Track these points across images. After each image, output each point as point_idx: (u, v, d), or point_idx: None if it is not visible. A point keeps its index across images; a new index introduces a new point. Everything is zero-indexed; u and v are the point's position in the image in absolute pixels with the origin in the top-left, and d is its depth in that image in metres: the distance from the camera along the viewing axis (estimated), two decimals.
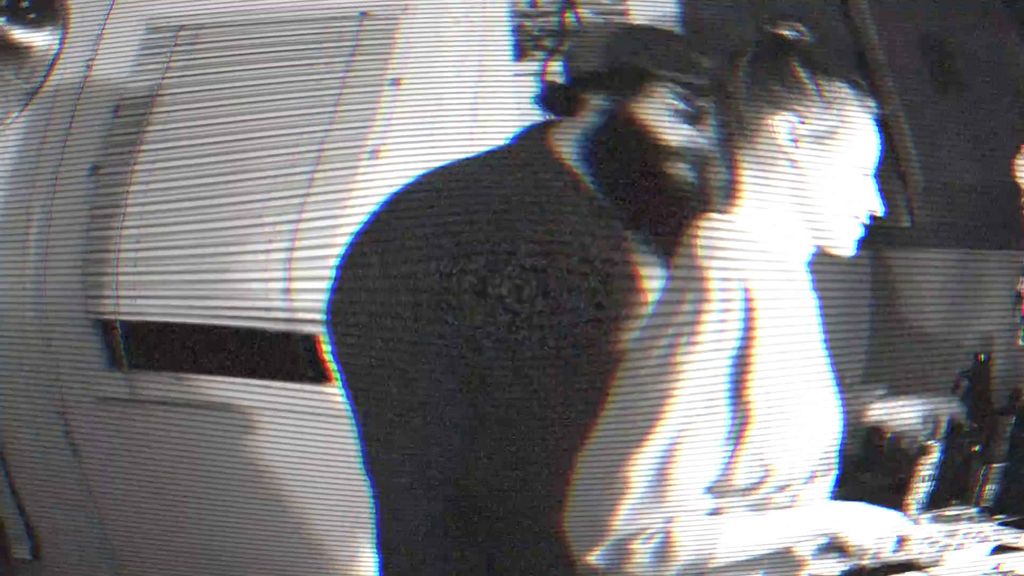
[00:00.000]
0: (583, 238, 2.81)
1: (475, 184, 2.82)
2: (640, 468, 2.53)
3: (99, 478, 3.39)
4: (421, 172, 2.82)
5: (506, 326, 2.79)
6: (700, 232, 2.61)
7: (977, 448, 3.19)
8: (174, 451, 3.38)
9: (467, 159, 2.84)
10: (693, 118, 2.88)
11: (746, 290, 2.54)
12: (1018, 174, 3.15)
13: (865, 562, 2.68)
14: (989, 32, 3.26)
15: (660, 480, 2.53)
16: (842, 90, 2.65)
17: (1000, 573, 2.76)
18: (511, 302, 2.78)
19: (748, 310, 2.54)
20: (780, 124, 2.62)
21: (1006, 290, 3.27)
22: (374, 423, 2.85)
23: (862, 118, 2.66)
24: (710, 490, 2.54)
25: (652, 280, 2.74)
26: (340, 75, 3.34)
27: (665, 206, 2.86)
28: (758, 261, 2.61)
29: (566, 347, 2.80)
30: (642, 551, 2.53)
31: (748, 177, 2.64)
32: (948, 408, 3.06)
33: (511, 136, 2.86)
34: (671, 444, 2.53)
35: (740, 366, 2.54)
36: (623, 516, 2.52)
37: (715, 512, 2.55)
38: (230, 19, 3.32)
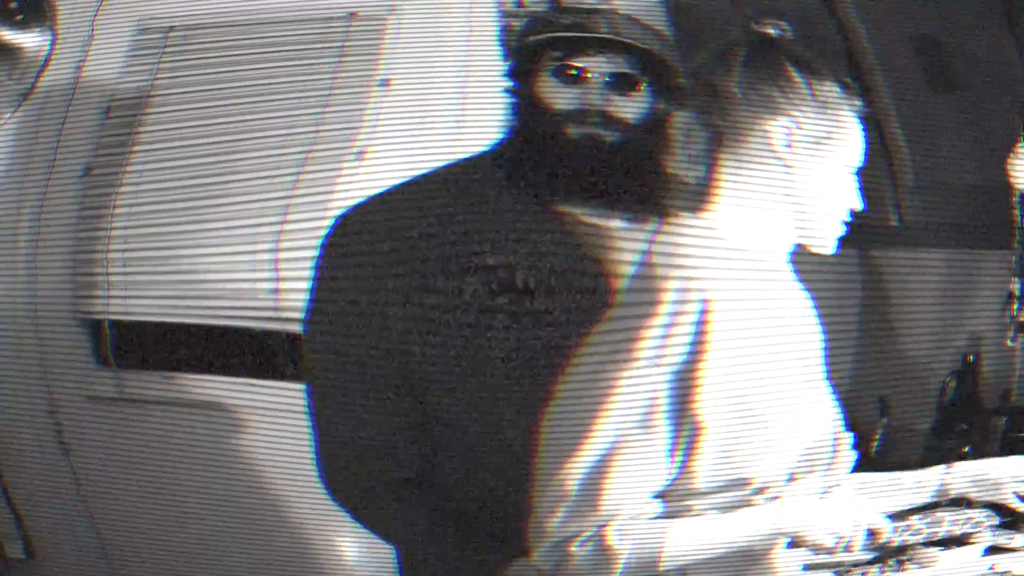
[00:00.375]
0: (531, 235, 2.84)
1: (441, 188, 2.85)
2: (574, 474, 2.53)
3: (89, 477, 3.40)
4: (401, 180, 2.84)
5: (470, 326, 2.81)
6: (660, 236, 2.60)
7: (967, 449, 3.19)
8: (163, 450, 3.38)
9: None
10: (577, 79, 2.92)
11: (704, 301, 2.52)
12: (1011, 174, 3.14)
13: (839, 556, 2.67)
14: (983, 32, 3.25)
15: (593, 487, 2.53)
16: (833, 90, 2.64)
17: (995, 573, 2.76)
18: (475, 303, 2.80)
19: (701, 323, 2.52)
20: (778, 130, 2.61)
21: (997, 290, 3.27)
22: (332, 426, 2.86)
23: (850, 118, 2.65)
24: (661, 495, 2.53)
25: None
26: (329, 76, 3.34)
27: (585, 172, 2.90)
28: (729, 261, 2.59)
29: (528, 349, 2.81)
30: (578, 554, 2.54)
31: (727, 178, 2.63)
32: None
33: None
34: (608, 451, 2.52)
35: (685, 379, 2.52)
36: (558, 519, 2.53)
37: (670, 515, 2.55)
38: (219, 20, 3.32)
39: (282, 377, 3.31)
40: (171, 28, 3.37)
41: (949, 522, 2.86)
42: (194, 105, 3.33)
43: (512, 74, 2.97)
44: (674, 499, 2.55)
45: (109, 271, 3.32)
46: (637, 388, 2.51)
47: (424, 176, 2.94)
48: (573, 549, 2.52)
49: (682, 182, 2.68)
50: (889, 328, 3.33)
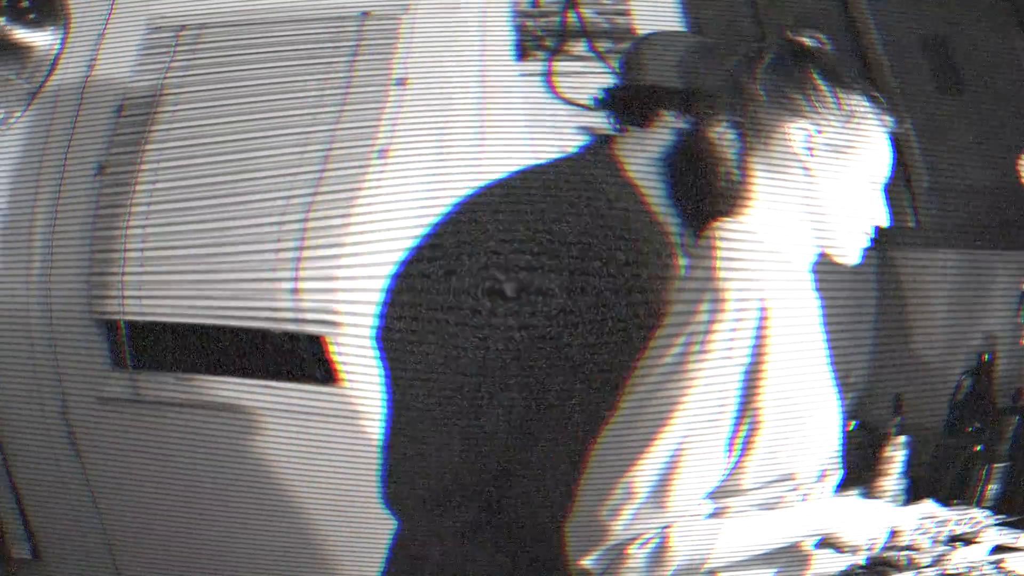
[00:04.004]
0: (641, 249, 2.82)
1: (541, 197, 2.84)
2: (644, 474, 2.53)
3: (101, 479, 3.38)
4: (484, 183, 2.82)
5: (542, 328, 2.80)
6: (718, 239, 2.61)
7: (979, 448, 3.20)
8: (177, 452, 3.36)
9: (530, 169, 2.85)
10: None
11: (761, 301, 2.55)
12: (1023, 175, 3.16)
13: (860, 558, 2.69)
14: (994, 33, 3.26)
15: (662, 487, 2.53)
16: (861, 104, 2.66)
17: (1002, 572, 2.77)
18: (543, 306, 2.80)
19: (762, 323, 2.55)
20: (797, 132, 2.63)
21: (1010, 290, 3.28)
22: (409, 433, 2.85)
23: (878, 133, 2.67)
24: (712, 495, 2.54)
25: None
26: (345, 75, 3.33)
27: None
28: (768, 263, 2.61)
29: (602, 352, 2.80)
30: (637, 555, 2.54)
31: (759, 180, 2.65)
32: None
33: (576, 147, 2.86)
34: (676, 451, 2.53)
35: (751, 377, 2.55)
36: (623, 521, 2.53)
37: (716, 514, 2.56)
38: (230, 19, 3.31)
39: (300, 379, 3.29)
40: (183, 27, 3.35)
41: (955, 521, 2.88)
42: (208, 103, 3.32)
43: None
44: (719, 497, 2.56)
45: (125, 271, 3.30)
46: (712, 381, 2.52)
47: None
48: (631, 551, 2.52)
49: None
50: (904, 327, 3.35)
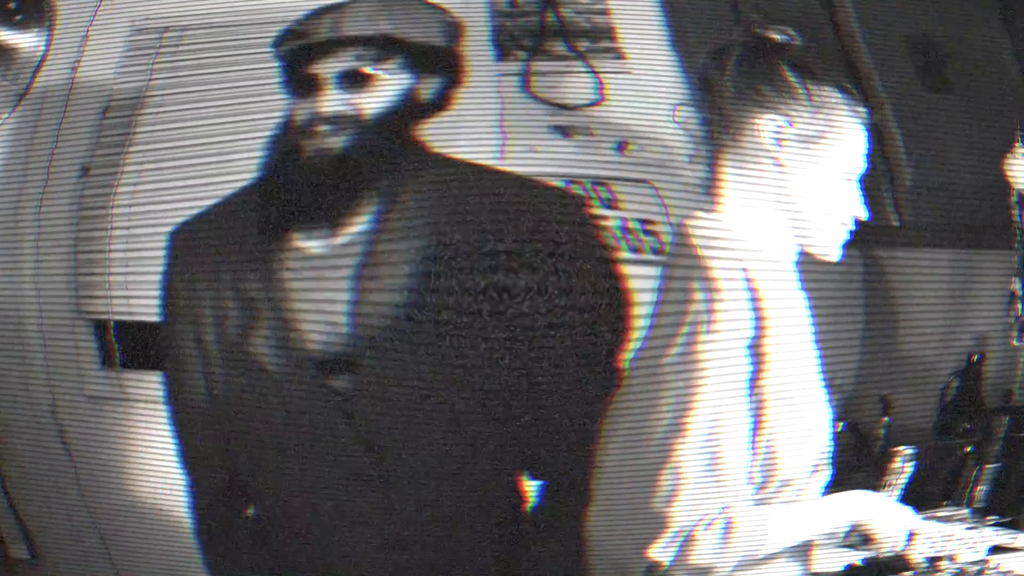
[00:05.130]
0: None
1: None
2: (687, 456, 2.54)
3: (92, 477, 3.41)
4: None
5: None
6: (692, 229, 2.61)
7: (970, 449, 3.18)
8: (166, 450, 3.39)
9: None
10: (310, 88, 2.86)
11: (749, 279, 2.56)
12: (1009, 173, 3.12)
13: (882, 554, 2.69)
14: (979, 31, 3.22)
15: (712, 464, 2.54)
16: (832, 95, 2.65)
17: (999, 573, 2.76)
18: None
19: (755, 299, 2.56)
20: (765, 124, 2.62)
21: (999, 290, 3.25)
22: None
23: (851, 124, 2.66)
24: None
25: None
26: None
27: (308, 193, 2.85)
28: (751, 258, 2.61)
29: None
30: (706, 538, 2.54)
31: (730, 175, 2.64)
32: None
33: None
34: (711, 429, 2.54)
35: (757, 355, 2.55)
36: (682, 505, 2.53)
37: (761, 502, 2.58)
38: (213, 21, 3.31)
39: None
40: (166, 29, 3.36)
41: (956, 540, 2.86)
42: (191, 105, 3.33)
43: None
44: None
45: (111, 271, 3.31)
46: (726, 360, 2.53)
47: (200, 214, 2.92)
48: (699, 533, 2.53)
49: (688, 181, 2.70)
50: (892, 328, 3.32)
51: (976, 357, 3.27)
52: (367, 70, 2.82)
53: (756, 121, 2.62)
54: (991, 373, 3.27)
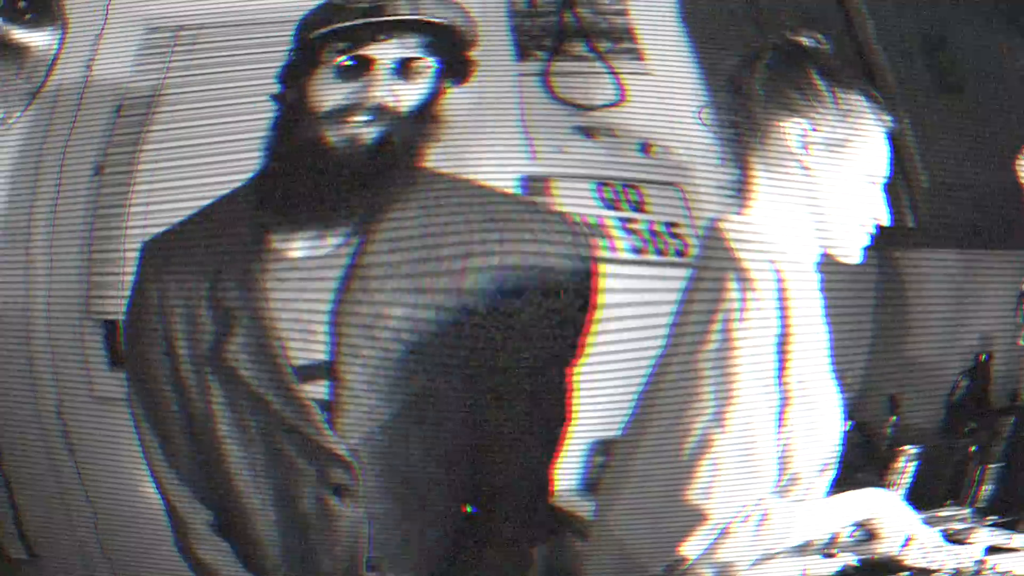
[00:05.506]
0: None
1: None
2: (727, 447, 2.54)
3: (95, 478, 3.37)
4: None
5: None
6: (725, 227, 2.63)
7: (974, 448, 3.20)
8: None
9: None
10: (357, 71, 2.71)
11: (777, 271, 2.58)
12: (1020, 174, 3.15)
13: (877, 556, 2.70)
14: (992, 32, 3.25)
15: (749, 457, 2.54)
16: (858, 101, 2.68)
17: (996, 574, 2.77)
18: None
19: (783, 297, 2.58)
20: (792, 128, 2.65)
21: (1008, 290, 3.28)
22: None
23: (875, 130, 2.70)
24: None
25: None
26: None
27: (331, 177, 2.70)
28: (780, 258, 2.64)
29: None
30: (740, 532, 2.54)
31: (760, 177, 2.67)
32: None
33: None
34: (748, 421, 2.55)
35: (782, 352, 2.58)
36: (720, 498, 2.53)
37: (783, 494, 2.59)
38: (228, 19, 3.30)
39: None
40: (180, 27, 3.34)
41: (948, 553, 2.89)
42: (205, 103, 3.31)
43: (284, 77, 2.78)
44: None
45: (124, 270, 3.29)
46: (759, 351, 2.54)
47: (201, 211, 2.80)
48: (735, 527, 2.53)
49: (717, 183, 2.71)
50: (902, 328, 3.34)
51: (984, 357, 3.30)
52: (421, 59, 2.71)
53: (783, 125, 2.66)
54: (999, 373, 3.30)
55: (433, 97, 2.74)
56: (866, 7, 3.27)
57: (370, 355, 2.75)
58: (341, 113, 2.69)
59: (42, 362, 3.40)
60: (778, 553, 2.60)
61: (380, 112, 2.68)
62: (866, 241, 2.74)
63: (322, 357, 2.83)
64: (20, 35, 3.34)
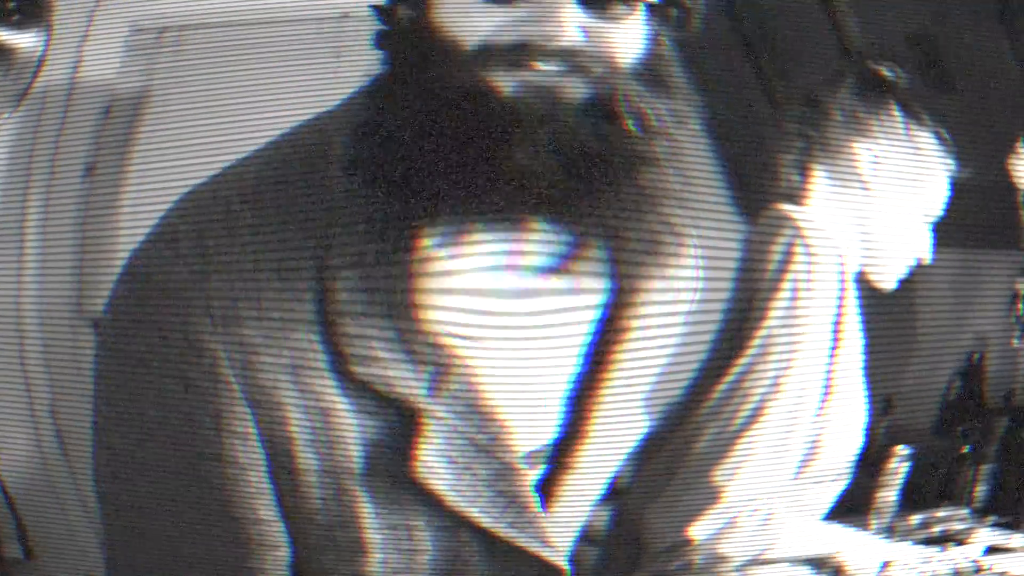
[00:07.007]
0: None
1: None
2: (767, 430, 2.54)
3: (89, 478, 3.39)
4: None
5: None
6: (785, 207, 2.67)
7: (967, 449, 3.20)
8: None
9: None
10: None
11: (839, 256, 2.60)
12: (1014, 174, 3.14)
13: None
14: (978, 31, 3.24)
15: (782, 444, 2.53)
16: (929, 140, 2.74)
17: (994, 574, 2.77)
18: None
19: (842, 274, 2.61)
20: (863, 152, 2.69)
21: (1002, 290, 3.26)
22: None
23: (940, 172, 2.75)
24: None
25: None
26: (330, 77, 3.32)
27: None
28: (838, 244, 2.66)
29: None
30: (746, 525, 2.53)
31: (819, 185, 2.72)
32: None
33: None
34: (797, 401, 2.56)
35: (836, 335, 2.60)
36: (739, 484, 2.52)
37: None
38: (213, 20, 3.30)
39: None
40: (164, 28, 3.35)
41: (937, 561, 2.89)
42: (194, 104, 3.32)
43: None
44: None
45: (116, 270, 3.31)
46: (819, 333, 2.52)
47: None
48: (741, 519, 2.52)
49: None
50: (894, 328, 3.33)
51: (977, 356, 3.29)
52: None
53: (854, 147, 2.72)
54: (993, 373, 3.28)
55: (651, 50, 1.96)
56: (850, 3, 3.26)
57: None
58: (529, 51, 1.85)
59: (36, 362, 3.42)
60: (762, 563, 2.59)
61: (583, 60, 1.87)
62: (904, 274, 2.79)
63: None
64: (6, 36, 3.35)
